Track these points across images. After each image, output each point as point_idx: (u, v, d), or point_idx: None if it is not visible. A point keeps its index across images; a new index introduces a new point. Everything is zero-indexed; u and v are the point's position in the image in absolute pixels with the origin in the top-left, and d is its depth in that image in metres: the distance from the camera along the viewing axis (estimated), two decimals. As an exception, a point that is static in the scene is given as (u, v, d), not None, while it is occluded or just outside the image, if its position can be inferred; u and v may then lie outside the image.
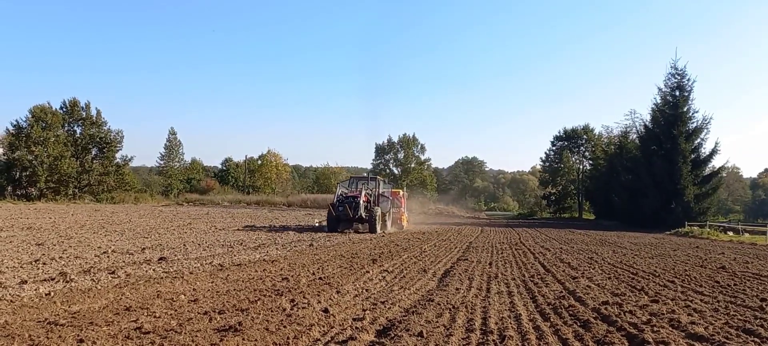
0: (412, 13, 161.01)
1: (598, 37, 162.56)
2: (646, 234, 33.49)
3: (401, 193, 33.95)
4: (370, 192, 27.58)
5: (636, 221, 46.97)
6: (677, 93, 48.04)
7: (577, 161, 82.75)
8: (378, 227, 25.61)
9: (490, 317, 6.93)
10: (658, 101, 49.39)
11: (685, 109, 47.40)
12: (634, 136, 58.82)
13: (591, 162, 78.61)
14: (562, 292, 9.33)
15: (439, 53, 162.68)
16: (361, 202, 25.46)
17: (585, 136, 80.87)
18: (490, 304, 7.89)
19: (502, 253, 17.35)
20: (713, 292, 9.69)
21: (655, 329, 6.39)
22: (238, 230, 24.69)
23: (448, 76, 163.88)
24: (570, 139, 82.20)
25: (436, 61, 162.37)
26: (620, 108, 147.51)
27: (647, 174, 46.72)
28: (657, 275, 12.15)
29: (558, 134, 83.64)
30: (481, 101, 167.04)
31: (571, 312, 7.43)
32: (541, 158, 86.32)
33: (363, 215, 25.52)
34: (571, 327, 6.53)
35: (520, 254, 17.19)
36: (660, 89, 49.30)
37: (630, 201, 49.95)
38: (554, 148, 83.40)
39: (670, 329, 6.46)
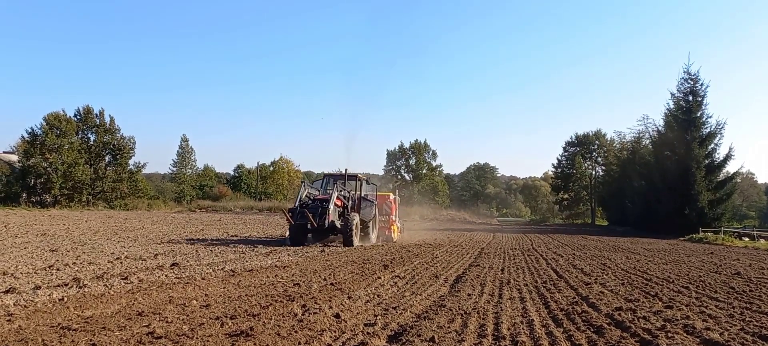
0: (425, 20, 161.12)
1: (610, 42, 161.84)
2: (659, 240, 33.21)
3: (392, 197, 28.09)
4: (347, 194, 22.59)
5: (649, 227, 46.62)
6: (690, 98, 47.69)
7: (590, 167, 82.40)
8: (355, 239, 20.44)
9: (502, 322, 6.88)
10: (671, 106, 49.09)
11: (698, 114, 47.05)
12: (647, 141, 58.49)
13: (603, 168, 78.27)
14: (575, 298, 9.26)
15: (450, 60, 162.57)
16: (331, 207, 20.19)
17: (597, 142, 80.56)
18: (502, 309, 7.84)
19: (514, 259, 17.27)
20: (728, 298, 9.57)
21: (670, 334, 6.31)
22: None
23: (460, 82, 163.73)
24: (582, 145, 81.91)
25: (448, 67, 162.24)
26: (633, 113, 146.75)
27: (661, 180, 46.39)
28: (671, 281, 12.03)
29: (570, 140, 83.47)
30: (493, 107, 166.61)
31: (584, 318, 7.36)
32: (553, 164, 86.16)
33: (337, 223, 20.47)
34: (585, 333, 6.47)
35: (533, 260, 17.10)
36: (673, 94, 49.01)
37: (643, 207, 49.61)
38: (566, 154, 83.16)
39: (685, 334, 6.39)
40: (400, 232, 28.55)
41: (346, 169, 23.87)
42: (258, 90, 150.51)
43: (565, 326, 6.87)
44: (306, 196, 21.38)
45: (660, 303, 8.74)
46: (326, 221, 19.82)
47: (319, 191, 22.66)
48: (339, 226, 20.54)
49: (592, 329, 6.67)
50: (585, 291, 9.98)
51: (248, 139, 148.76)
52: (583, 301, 8.87)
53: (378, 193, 26.40)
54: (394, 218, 26.90)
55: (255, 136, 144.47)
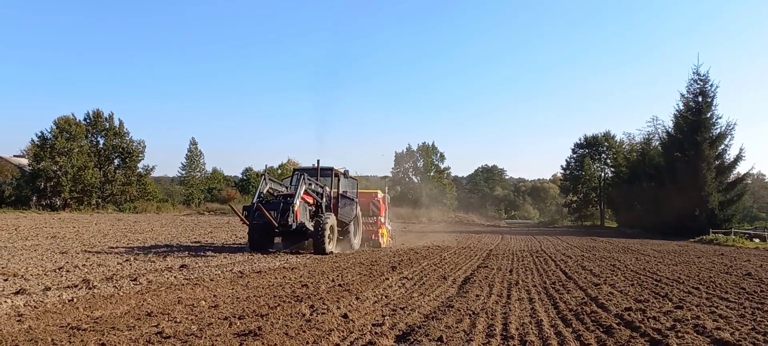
0: (433, 20, 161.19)
1: (619, 43, 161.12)
2: (669, 242, 33.03)
3: (379, 195, 24.31)
4: (320, 191, 18.73)
5: (659, 228, 46.39)
6: (700, 99, 47.51)
7: (599, 169, 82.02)
8: (328, 244, 17.04)
9: (510, 322, 6.86)
10: (681, 107, 48.95)
11: (708, 115, 46.86)
12: (657, 143, 58.22)
13: (613, 169, 77.90)
14: (584, 298, 9.21)
15: (456, 61, 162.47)
16: (297, 202, 16.65)
17: (606, 144, 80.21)
18: (510, 310, 7.81)
19: (522, 260, 17.21)
20: (739, 298, 9.50)
21: (680, 334, 6.27)
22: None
23: (466, 83, 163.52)
24: (591, 147, 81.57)
25: (454, 69, 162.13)
26: (642, 115, 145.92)
27: (670, 181, 46.18)
28: (681, 281, 11.96)
29: (579, 142, 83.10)
30: (501, 109, 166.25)
31: (593, 318, 7.33)
32: (561, 166, 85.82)
33: (308, 225, 17.15)
34: (594, 333, 6.44)
35: (541, 261, 17.04)
36: (682, 95, 48.88)
37: (653, 208, 49.37)
38: (575, 155, 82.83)
39: (695, 334, 6.34)
40: (390, 236, 25.17)
41: (318, 162, 19.31)
42: (267, 93, 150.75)
43: (574, 326, 6.83)
44: (268, 192, 17.46)
45: (670, 304, 8.69)
46: (292, 221, 16.37)
47: (286, 187, 18.58)
48: (310, 228, 17.21)
49: (601, 329, 6.64)
50: (594, 292, 9.93)
51: (256, 143, 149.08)
52: (592, 301, 8.83)
53: (363, 190, 23.31)
54: (382, 220, 23.43)
55: (263, 140, 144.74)
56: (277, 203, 16.86)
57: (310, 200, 18.23)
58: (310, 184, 18.03)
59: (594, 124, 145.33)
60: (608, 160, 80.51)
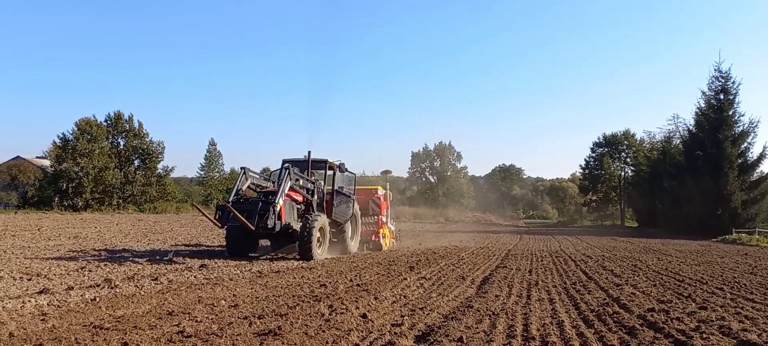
0: (453, 18, 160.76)
1: (638, 40, 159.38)
2: (691, 241, 32.57)
3: (380, 191, 22.41)
4: (310, 187, 16.68)
5: (681, 228, 45.81)
6: (722, 96, 46.80)
7: (619, 168, 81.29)
8: (316, 249, 15.05)
9: (531, 323, 6.79)
10: (702, 105, 48.25)
11: (730, 113, 46.15)
12: (678, 141, 57.52)
13: (633, 168, 77.14)
14: (605, 299, 9.10)
15: (473, 60, 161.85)
16: (280, 201, 14.54)
17: (626, 142, 79.51)
18: (531, 311, 7.74)
19: (542, 260, 17.07)
20: (765, 299, 9.32)
21: (705, 335, 6.16)
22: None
23: (484, 83, 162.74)
24: (610, 146, 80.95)
25: (472, 68, 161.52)
26: (662, 113, 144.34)
27: (692, 180, 45.54)
28: (704, 282, 11.77)
29: (598, 140, 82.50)
30: (519, 108, 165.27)
31: (615, 319, 7.23)
32: (580, 165, 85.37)
33: (294, 226, 15.37)
34: (616, 334, 6.35)
35: (561, 261, 16.89)
36: (704, 93, 48.19)
37: (674, 208, 48.79)
38: (594, 154, 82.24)
39: (721, 336, 6.23)
40: (393, 237, 23.15)
41: (309, 153, 17.16)
42: (284, 94, 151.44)
43: (596, 326, 6.75)
44: (248, 188, 15.21)
45: (693, 304, 8.55)
46: (273, 223, 14.25)
47: (273, 183, 15.98)
48: (297, 229, 15.31)
49: (624, 330, 6.54)
50: (616, 292, 9.81)
51: (274, 142, 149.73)
52: (613, 302, 8.72)
53: (362, 187, 21.65)
54: (383, 219, 21.39)
55: (281, 139, 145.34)
56: (255, 202, 14.69)
57: (299, 198, 16.27)
58: (297, 179, 15.82)
59: (613, 122, 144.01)
60: (628, 159, 79.84)
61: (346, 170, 18.72)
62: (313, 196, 16.64)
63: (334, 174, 17.95)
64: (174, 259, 13.81)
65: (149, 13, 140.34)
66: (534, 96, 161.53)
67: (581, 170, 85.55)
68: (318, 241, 15.29)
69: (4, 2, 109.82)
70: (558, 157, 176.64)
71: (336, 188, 17.63)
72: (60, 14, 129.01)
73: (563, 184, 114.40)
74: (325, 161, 17.87)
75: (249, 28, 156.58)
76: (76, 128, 52.78)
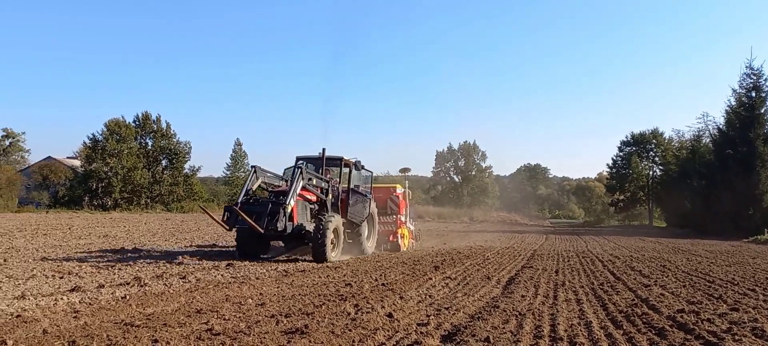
0: (479, 16, 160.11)
1: (667, 38, 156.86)
2: (721, 242, 31.90)
3: (399, 190, 21.61)
4: (324, 186, 16.05)
5: (710, 228, 44.87)
6: (753, 94, 45.74)
7: (647, 167, 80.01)
8: (330, 251, 14.35)
9: (558, 324, 6.73)
10: (733, 103, 47.19)
11: (761, 111, 45.10)
12: (708, 139, 56.38)
13: (661, 167, 75.80)
14: (634, 300, 8.97)
15: (499, 58, 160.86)
16: (291, 202, 13.80)
17: (654, 141, 78.21)
18: (558, 311, 7.67)
19: (568, 261, 16.90)
20: (800, 301, 9.09)
21: (737, 337, 6.05)
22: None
23: (509, 81, 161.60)
24: (638, 144, 79.70)
25: (497, 66, 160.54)
26: (691, 111, 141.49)
27: (722, 179, 44.63)
28: (735, 283, 11.53)
29: (625, 139, 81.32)
30: (545, 107, 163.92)
31: (644, 320, 7.12)
32: (607, 164, 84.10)
33: (307, 227, 14.68)
34: (646, 335, 6.26)
35: (588, 262, 16.69)
36: (734, 90, 47.11)
37: (704, 207, 47.83)
38: (622, 153, 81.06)
39: (754, 337, 6.10)
40: (412, 237, 22.16)
41: (323, 150, 16.64)
42: (309, 94, 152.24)
43: (624, 327, 6.66)
44: (258, 187, 14.87)
45: (724, 306, 8.38)
46: (284, 225, 13.56)
47: (285, 181, 15.39)
48: (310, 230, 14.63)
49: (653, 331, 6.45)
50: (644, 293, 9.66)
51: (298, 142, 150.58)
52: (642, 303, 8.59)
53: (379, 186, 21.28)
54: (402, 219, 20.55)
55: (306, 139, 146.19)
56: (264, 203, 14.01)
57: (312, 197, 15.60)
58: (310, 178, 15.14)
59: (642, 121, 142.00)
60: (656, 158, 78.48)
61: (363, 168, 18.09)
62: (327, 195, 15.96)
63: (350, 172, 17.21)
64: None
65: (177, 16, 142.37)
66: (561, 95, 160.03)
67: (608, 170, 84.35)
68: (332, 242, 14.65)
69: (38, 8, 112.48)
70: (585, 156, 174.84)
71: (352, 186, 16.97)
72: (90, 18, 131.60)
73: (590, 183, 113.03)
74: (341, 159, 17.18)
75: (276, 29, 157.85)
76: (105, 129, 53.72)
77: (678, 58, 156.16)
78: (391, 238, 19.77)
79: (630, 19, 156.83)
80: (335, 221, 14.82)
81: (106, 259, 13.59)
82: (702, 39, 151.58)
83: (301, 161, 15.47)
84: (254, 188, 14.46)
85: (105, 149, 52.57)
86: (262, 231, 13.31)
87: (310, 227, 14.70)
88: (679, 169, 62.23)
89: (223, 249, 17.80)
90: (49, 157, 64.23)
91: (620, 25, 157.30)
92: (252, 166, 14.85)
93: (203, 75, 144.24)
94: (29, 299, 7.82)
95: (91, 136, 53.51)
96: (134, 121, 57.03)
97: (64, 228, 25.41)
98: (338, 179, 16.93)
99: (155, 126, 58.11)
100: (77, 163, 57.47)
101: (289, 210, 13.66)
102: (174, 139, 59.28)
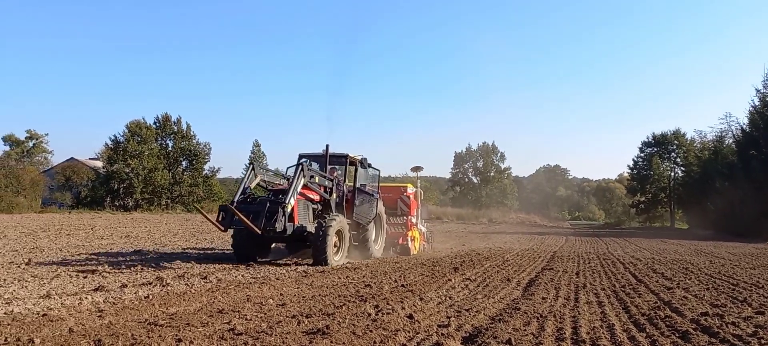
0: (499, 19, 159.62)
1: (690, 38, 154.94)
2: (745, 244, 31.39)
3: (410, 189, 20.43)
4: (328, 185, 14.93)
5: (733, 230, 44.23)
6: (777, 94, 45.09)
7: (668, 168, 79.08)
8: (331, 254, 13.49)
9: (580, 326, 6.68)
10: (756, 103, 46.54)
11: (786, 111, 44.43)
12: (731, 140, 55.62)
13: (683, 168, 74.90)
14: (656, 302, 8.87)
15: (520, 60, 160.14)
16: (291, 201, 12.79)
17: (676, 142, 77.28)
18: (579, 313, 7.61)
19: (589, 263, 16.76)
20: (828, 305, 8.92)
21: (763, 341, 5.95)
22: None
23: (529, 81, 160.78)
24: (660, 145, 78.81)
25: (518, 67, 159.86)
26: (714, 112, 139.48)
27: (746, 180, 43.99)
28: (761, 286, 11.34)
29: (647, 140, 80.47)
30: (564, 107, 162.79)
31: (668, 323, 7.04)
32: (628, 165, 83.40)
33: (309, 228, 13.74)
34: (669, 338, 6.18)
35: (609, 264, 16.54)
36: (758, 90, 46.50)
37: (727, 209, 47.19)
38: (643, 154, 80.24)
39: (781, 342, 6.00)
40: (424, 240, 20.97)
41: (327, 147, 15.42)
42: (326, 94, 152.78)
43: (647, 330, 6.58)
44: (257, 186, 14.18)
45: (750, 309, 8.25)
46: (283, 225, 12.52)
47: (286, 180, 14.58)
48: (312, 232, 13.71)
49: (677, 335, 6.37)
50: (667, 296, 9.55)
51: (315, 141, 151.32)
52: (665, 306, 8.49)
53: (389, 185, 20.25)
54: (413, 220, 19.44)
55: (322, 139, 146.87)
56: (262, 202, 12.88)
57: (315, 197, 14.60)
58: (313, 176, 14.06)
59: (663, 122, 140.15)
60: (678, 159, 77.55)
61: (370, 166, 16.91)
62: (331, 195, 14.89)
63: (356, 170, 15.96)
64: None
65: (198, 19, 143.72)
66: (581, 96, 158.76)
67: (629, 171, 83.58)
68: (335, 245, 13.85)
69: (60, 11, 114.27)
70: (605, 157, 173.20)
71: (358, 185, 15.80)
72: (113, 21, 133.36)
73: (610, 185, 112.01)
74: (346, 156, 16.04)
75: (295, 30, 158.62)
76: (126, 130, 54.40)
77: (700, 57, 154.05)
78: (400, 240, 18.65)
79: (651, 17, 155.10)
80: (338, 222, 13.91)
81: (128, 259, 13.76)
82: (725, 37, 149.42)
83: (303, 158, 14.64)
84: (252, 186, 13.78)
85: (126, 150, 53.21)
86: (260, 232, 12.29)
87: (312, 228, 13.80)
88: (701, 171, 61.51)
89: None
90: (72, 158, 65.12)
91: (643, 21, 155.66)
92: (250, 163, 14.06)
93: (224, 77, 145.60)
94: (54, 298, 7.95)
95: (113, 137, 54.33)
96: (155, 123, 57.69)
97: (87, 228, 25.77)
98: (344, 178, 16.15)
99: (175, 127, 58.70)
100: (99, 164, 58.22)
101: (288, 210, 12.69)
102: (194, 141, 59.85)
